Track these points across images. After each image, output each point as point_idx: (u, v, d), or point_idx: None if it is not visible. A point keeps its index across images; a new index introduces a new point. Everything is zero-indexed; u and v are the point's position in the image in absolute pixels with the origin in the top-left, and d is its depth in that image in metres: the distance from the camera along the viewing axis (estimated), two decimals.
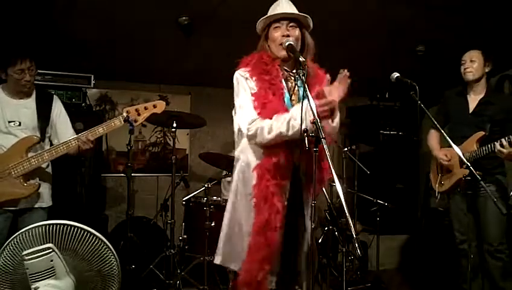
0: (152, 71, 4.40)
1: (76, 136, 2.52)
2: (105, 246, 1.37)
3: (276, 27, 2.07)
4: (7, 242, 1.46)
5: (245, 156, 2.10)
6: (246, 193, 2.07)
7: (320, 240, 3.86)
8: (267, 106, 1.99)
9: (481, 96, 3.05)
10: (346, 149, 4.00)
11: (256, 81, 2.02)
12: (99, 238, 1.37)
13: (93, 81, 3.79)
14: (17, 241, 1.43)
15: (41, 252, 1.34)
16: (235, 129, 2.16)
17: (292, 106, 2.04)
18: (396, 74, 2.45)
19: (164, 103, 2.57)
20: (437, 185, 3.23)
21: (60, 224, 1.40)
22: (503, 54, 3.40)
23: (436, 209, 4.49)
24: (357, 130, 4.90)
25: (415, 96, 2.34)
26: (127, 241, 3.65)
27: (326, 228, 3.93)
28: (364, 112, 5.05)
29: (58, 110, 2.71)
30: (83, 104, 3.77)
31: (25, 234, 1.44)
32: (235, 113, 2.12)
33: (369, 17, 3.61)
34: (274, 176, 2.00)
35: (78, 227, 1.37)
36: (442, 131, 2.44)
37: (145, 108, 2.51)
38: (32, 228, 1.45)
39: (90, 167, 3.72)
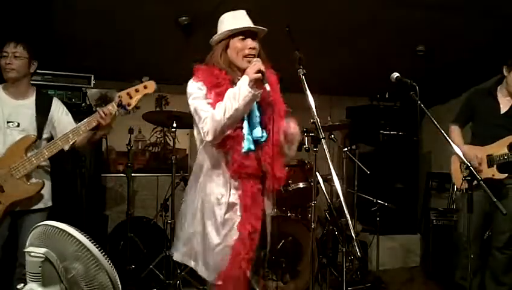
0: (152, 71, 4.39)
1: (76, 125, 2.50)
2: (95, 261, 1.32)
3: (241, 39, 2.12)
4: (34, 227, 1.43)
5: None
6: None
7: (320, 240, 3.86)
8: None
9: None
10: (346, 149, 4.00)
11: (208, 91, 2.08)
12: (88, 249, 1.32)
13: (93, 81, 3.78)
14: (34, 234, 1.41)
15: (34, 254, 1.33)
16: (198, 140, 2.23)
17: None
18: (396, 74, 2.44)
19: (154, 82, 2.52)
20: (461, 182, 3.23)
21: (50, 226, 1.37)
22: (503, 54, 3.39)
23: (437, 209, 4.49)
24: (357, 130, 4.90)
25: (415, 96, 2.34)
26: (127, 241, 3.65)
27: (326, 228, 3.94)
28: (364, 112, 5.05)
29: (58, 109, 2.68)
30: (83, 104, 3.77)
31: (35, 232, 1.42)
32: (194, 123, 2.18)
33: (369, 17, 3.60)
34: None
35: (65, 231, 1.33)
36: (442, 130, 2.41)
37: (136, 90, 2.49)
38: (31, 229, 1.44)
39: (90, 167, 3.72)
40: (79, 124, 2.49)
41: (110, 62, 4.05)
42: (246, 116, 2.10)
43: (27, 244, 1.40)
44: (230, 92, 1.99)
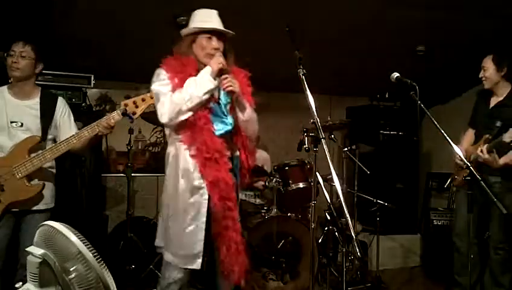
0: (152, 71, 4.39)
1: (77, 132, 2.50)
2: (90, 267, 1.30)
3: (208, 38, 2.25)
4: (39, 226, 1.43)
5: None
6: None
7: (320, 240, 3.87)
8: None
9: (501, 98, 3.11)
10: (346, 149, 3.99)
11: (172, 78, 2.21)
12: (83, 254, 1.30)
13: (93, 81, 3.78)
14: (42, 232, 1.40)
15: (34, 254, 1.33)
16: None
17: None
18: (396, 74, 2.45)
19: None
20: (450, 178, 3.31)
21: (52, 227, 1.36)
22: (503, 53, 3.40)
23: (437, 209, 4.49)
24: (357, 130, 4.90)
25: (415, 96, 2.34)
26: (127, 241, 3.66)
27: (326, 228, 3.94)
28: (364, 112, 5.05)
29: (62, 110, 2.68)
30: (83, 104, 3.77)
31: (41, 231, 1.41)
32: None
33: (369, 17, 3.61)
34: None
35: (63, 234, 1.31)
36: (442, 130, 2.42)
37: (143, 99, 2.49)
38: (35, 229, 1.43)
39: (90, 167, 3.72)
40: (83, 129, 2.49)
41: (110, 62, 4.05)
42: (217, 103, 2.24)
43: (33, 242, 1.40)
44: (191, 80, 2.14)
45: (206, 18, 2.28)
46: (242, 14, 3.38)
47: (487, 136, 2.97)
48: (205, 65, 2.22)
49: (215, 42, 2.24)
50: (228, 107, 2.29)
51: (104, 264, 1.30)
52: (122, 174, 4.36)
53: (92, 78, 3.78)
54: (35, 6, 3.22)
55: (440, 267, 4.08)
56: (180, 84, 2.16)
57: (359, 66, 4.39)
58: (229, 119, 2.28)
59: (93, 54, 3.91)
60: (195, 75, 2.19)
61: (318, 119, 1.94)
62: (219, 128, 2.23)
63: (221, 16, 2.32)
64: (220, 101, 2.27)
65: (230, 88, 2.17)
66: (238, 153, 2.32)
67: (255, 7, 3.34)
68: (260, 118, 4.56)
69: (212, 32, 2.24)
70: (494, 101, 3.14)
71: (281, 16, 2.85)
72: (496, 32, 3.74)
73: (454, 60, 4.31)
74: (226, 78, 2.17)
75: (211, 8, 2.32)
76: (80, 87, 3.76)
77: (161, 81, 2.22)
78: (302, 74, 2.04)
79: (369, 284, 3.80)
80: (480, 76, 3.13)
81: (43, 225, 1.39)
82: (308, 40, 2.68)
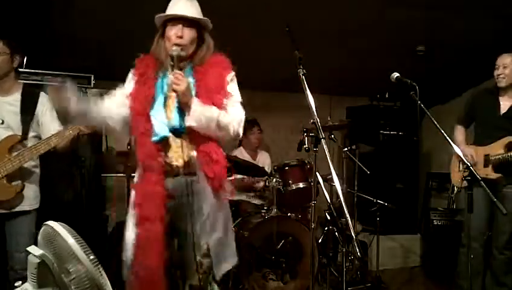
0: None
1: (59, 131, 2.44)
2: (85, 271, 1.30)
3: (172, 25, 2.07)
4: (42, 225, 1.42)
5: None
6: None
7: (320, 240, 3.87)
8: (134, 100, 2.07)
9: None
10: (346, 149, 4.00)
11: (134, 80, 2.13)
12: (79, 258, 1.29)
13: (93, 81, 3.78)
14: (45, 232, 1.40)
15: (33, 254, 1.33)
16: None
17: (165, 105, 2.05)
18: (396, 74, 2.45)
19: None
20: (459, 181, 3.25)
21: (53, 227, 1.36)
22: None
23: (437, 209, 4.49)
24: (357, 130, 4.90)
25: (415, 96, 2.34)
26: None
27: (326, 228, 3.94)
28: (364, 112, 5.05)
29: (43, 106, 2.59)
30: None
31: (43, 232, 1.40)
32: None
33: (369, 17, 3.61)
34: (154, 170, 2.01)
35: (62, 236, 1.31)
36: (442, 130, 2.42)
37: None
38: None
39: (90, 167, 3.72)
40: (64, 128, 2.44)
41: (110, 62, 4.04)
42: (162, 104, 2.05)
43: (37, 242, 1.40)
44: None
45: (172, 5, 2.11)
46: (242, 15, 3.38)
47: (511, 138, 2.96)
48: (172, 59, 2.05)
49: (176, 29, 2.03)
50: (173, 107, 2.05)
51: (101, 267, 1.30)
52: (122, 174, 4.35)
53: (92, 78, 3.78)
54: (35, 6, 3.22)
55: (440, 268, 4.08)
56: (139, 87, 2.08)
57: (359, 66, 4.40)
58: (173, 122, 2.02)
59: (93, 54, 3.91)
60: (154, 75, 2.09)
61: (318, 119, 1.94)
62: (156, 132, 2.01)
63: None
64: (162, 101, 2.07)
65: (173, 86, 1.96)
66: (194, 157, 2.06)
67: (254, 7, 3.34)
68: (260, 118, 4.58)
69: (177, 19, 2.05)
70: (506, 101, 3.11)
71: (281, 16, 2.85)
72: (496, 32, 3.74)
73: (454, 60, 4.31)
74: (175, 74, 1.97)
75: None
76: (80, 87, 3.76)
77: (126, 83, 2.17)
78: (302, 74, 2.04)
79: (369, 284, 3.80)
80: (498, 73, 3.08)
81: (44, 225, 1.39)
82: (308, 40, 2.68)
